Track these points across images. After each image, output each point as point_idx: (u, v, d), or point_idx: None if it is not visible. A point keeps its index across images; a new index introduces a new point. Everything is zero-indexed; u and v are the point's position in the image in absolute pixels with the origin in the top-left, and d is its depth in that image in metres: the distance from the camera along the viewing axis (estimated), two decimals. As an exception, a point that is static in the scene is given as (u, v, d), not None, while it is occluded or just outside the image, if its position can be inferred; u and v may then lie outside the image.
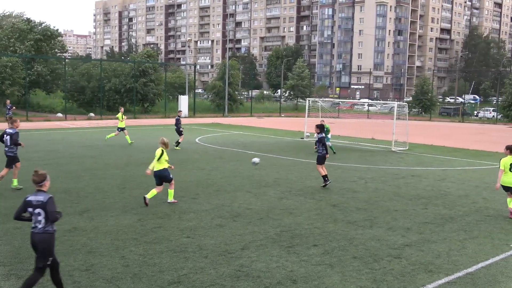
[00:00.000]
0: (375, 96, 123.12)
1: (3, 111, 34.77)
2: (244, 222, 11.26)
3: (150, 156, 21.25)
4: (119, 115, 25.94)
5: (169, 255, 8.92)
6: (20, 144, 13.94)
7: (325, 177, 15.46)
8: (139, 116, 47.37)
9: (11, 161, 14.00)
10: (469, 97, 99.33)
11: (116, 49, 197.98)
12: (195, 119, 46.59)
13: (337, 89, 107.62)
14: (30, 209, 6.86)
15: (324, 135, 15.95)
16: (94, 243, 9.52)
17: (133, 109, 48.69)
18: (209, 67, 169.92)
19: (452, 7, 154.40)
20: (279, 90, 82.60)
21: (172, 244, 9.57)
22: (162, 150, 12.60)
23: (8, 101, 32.67)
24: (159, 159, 12.53)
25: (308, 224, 11.22)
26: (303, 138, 30.47)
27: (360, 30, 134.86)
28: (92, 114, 45.71)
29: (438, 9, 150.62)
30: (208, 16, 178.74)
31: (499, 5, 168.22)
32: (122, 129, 25.51)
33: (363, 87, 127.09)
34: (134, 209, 12.08)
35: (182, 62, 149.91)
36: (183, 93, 55.31)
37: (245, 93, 71.12)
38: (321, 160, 15.45)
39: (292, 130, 35.85)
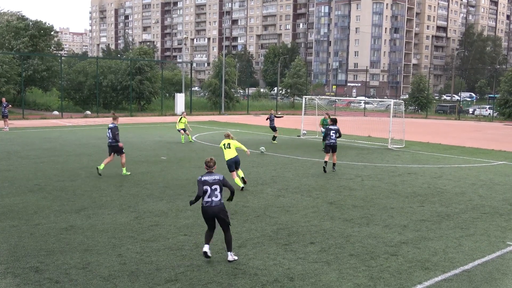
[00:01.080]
0: (372, 94, 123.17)
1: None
2: (241, 220, 11.26)
3: (146, 154, 21.31)
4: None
5: (166, 253, 8.93)
6: (116, 139, 16.14)
7: (334, 165, 18.16)
8: (135, 114, 47.31)
9: (113, 150, 16.35)
10: (465, 94, 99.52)
11: (113, 47, 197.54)
12: (192, 117, 46.52)
13: (333, 87, 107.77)
14: (206, 187, 8.65)
15: (338, 127, 18.28)
16: (91, 241, 9.51)
17: (129, 107, 48.61)
18: (206, 64, 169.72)
19: (448, 5, 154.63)
20: (275, 88, 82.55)
21: (169, 242, 9.57)
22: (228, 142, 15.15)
23: (4, 99, 32.54)
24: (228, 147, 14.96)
25: (305, 221, 11.24)
26: (299, 136, 30.48)
27: (356, 28, 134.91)
28: (88, 112, 45.63)
29: (435, 7, 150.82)
30: (205, 13, 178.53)
31: (495, 3, 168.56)
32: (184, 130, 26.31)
33: (359, 85, 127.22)
34: (131, 207, 12.07)
35: (179, 60, 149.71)
36: (180, 91, 55.25)
37: (242, 91, 71.04)
38: (334, 149, 18.15)
39: (289, 128, 35.84)
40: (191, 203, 8.75)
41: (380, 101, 58.36)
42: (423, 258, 9.01)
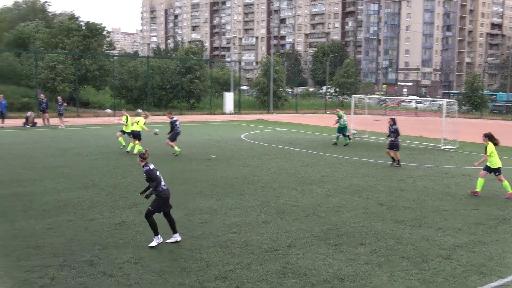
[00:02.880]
0: (423, 93, 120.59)
1: (55, 107, 35.79)
2: (290, 219, 11.24)
3: (196, 152, 21.57)
4: (125, 118, 21.85)
5: (216, 250, 9.00)
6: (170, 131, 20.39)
7: (399, 161, 19.28)
8: (185, 112, 47.93)
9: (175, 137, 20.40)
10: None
11: (162, 46, 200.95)
12: (240, 116, 46.78)
13: (383, 86, 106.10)
14: (158, 173, 9.37)
15: (397, 126, 19.41)
16: (143, 236, 9.69)
17: (179, 105, 49.31)
18: (254, 64, 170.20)
19: (503, 1, 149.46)
20: (324, 87, 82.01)
21: (218, 239, 9.65)
22: None
23: (59, 98, 33.61)
24: None
25: (355, 222, 11.10)
26: (349, 135, 30.11)
27: (407, 26, 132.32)
28: (139, 110, 46.48)
29: (489, 3, 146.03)
30: (253, 12, 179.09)
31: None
32: (126, 133, 21.59)
33: (410, 84, 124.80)
34: (181, 205, 12.23)
35: (227, 59, 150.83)
36: (228, 90, 55.64)
37: (290, 90, 70.86)
38: (397, 147, 19.39)
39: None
40: (151, 193, 9.26)
41: (432, 101, 57.05)
42: (478, 263, 8.74)
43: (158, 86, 50.48)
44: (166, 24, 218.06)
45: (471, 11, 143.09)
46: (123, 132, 21.59)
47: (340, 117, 26.06)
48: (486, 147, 14.20)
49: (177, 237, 9.42)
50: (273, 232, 10.19)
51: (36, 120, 32.69)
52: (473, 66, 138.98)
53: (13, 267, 7.96)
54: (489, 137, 14.16)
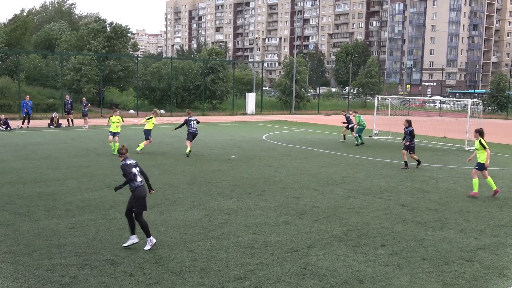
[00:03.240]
0: (448, 93, 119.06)
1: (80, 108, 36.31)
2: (310, 220, 11.21)
3: (217, 152, 21.64)
4: (116, 118, 21.74)
5: (236, 251, 9.02)
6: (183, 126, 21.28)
7: (406, 162, 18.84)
8: (207, 113, 48.14)
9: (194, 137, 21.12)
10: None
11: (186, 48, 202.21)
12: (262, 116, 46.81)
13: (407, 86, 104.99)
14: (134, 169, 9.17)
15: (413, 128, 18.91)
16: (164, 236, 9.77)
17: (202, 106, 49.55)
18: (277, 64, 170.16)
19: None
20: (347, 87, 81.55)
21: (238, 240, 9.67)
22: None
23: (84, 99, 34.09)
24: None
25: (375, 223, 11.02)
26: (371, 136, 29.92)
27: (432, 25, 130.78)
28: (162, 111, 46.91)
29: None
30: (276, 13, 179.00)
31: None
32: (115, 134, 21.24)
33: (435, 84, 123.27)
34: (202, 205, 12.30)
35: (250, 60, 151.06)
36: (251, 91, 55.69)
37: (312, 90, 70.58)
38: (413, 149, 18.93)
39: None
40: (119, 187, 9.25)
41: (457, 101, 56.28)
42: (501, 265, 8.60)
43: (181, 87, 50.79)
44: (190, 25, 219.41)
45: (498, 9, 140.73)
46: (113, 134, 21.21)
47: (358, 121, 26.27)
48: (479, 142, 14.18)
49: (152, 240, 9.04)
50: (293, 233, 10.17)
51: (61, 121, 33.22)
52: (500, 66, 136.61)
53: (36, 266, 8.10)
54: (480, 132, 14.38)
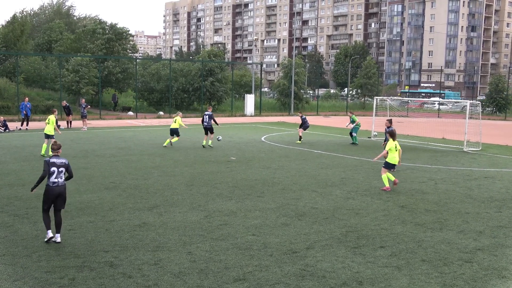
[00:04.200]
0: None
1: (78, 109, 36.31)
2: (309, 221, 11.20)
3: (216, 154, 21.63)
4: (53, 118, 21.00)
5: (235, 252, 9.02)
6: (215, 121, 23.95)
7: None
8: (207, 114, 48.09)
9: (208, 130, 23.74)
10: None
11: (185, 49, 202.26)
12: (261, 118, 46.82)
13: (406, 87, 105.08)
14: (54, 168, 9.38)
15: (393, 128, 17.73)
16: (163, 238, 9.76)
17: (200, 107, 49.54)
18: (275, 66, 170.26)
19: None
20: (345, 89, 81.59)
21: (237, 241, 9.66)
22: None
23: (83, 100, 34.08)
24: None
25: (375, 225, 11.02)
26: (370, 138, 29.94)
27: (431, 27, 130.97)
28: (161, 113, 46.91)
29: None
30: (275, 15, 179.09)
31: None
32: (50, 136, 20.41)
33: (433, 85, 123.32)
34: (201, 206, 12.29)
35: (249, 61, 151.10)
36: (250, 92, 55.70)
37: (311, 91, 70.55)
38: None
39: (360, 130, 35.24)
40: (34, 187, 9.60)
41: (456, 102, 56.33)
42: (500, 266, 8.60)
43: (180, 89, 50.78)
44: (189, 26, 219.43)
45: (496, 11, 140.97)
46: (46, 136, 20.44)
47: (353, 120, 27.05)
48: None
49: (57, 238, 9.30)
50: (292, 234, 10.17)
51: (60, 123, 33.16)
52: (498, 67, 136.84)
53: (34, 268, 8.09)
54: (391, 134, 15.36)
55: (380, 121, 30.74)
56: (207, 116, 23.70)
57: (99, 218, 11.07)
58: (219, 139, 25.19)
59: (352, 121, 27.05)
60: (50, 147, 9.70)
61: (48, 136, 20.36)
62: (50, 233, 9.29)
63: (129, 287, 7.44)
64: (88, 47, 50.93)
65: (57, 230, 9.41)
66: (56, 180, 9.37)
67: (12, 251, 8.86)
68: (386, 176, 14.91)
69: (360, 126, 27.10)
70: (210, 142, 23.97)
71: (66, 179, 9.68)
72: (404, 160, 21.03)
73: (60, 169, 9.47)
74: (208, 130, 23.76)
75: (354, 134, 26.72)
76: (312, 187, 15.02)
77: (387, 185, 14.77)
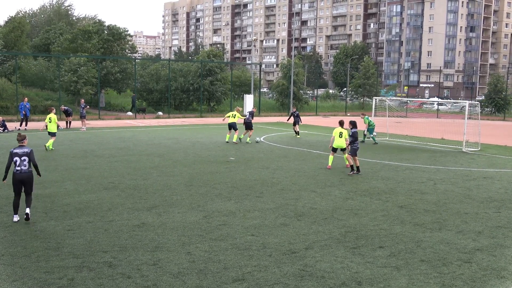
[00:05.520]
0: (445, 95, 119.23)
1: (77, 110, 36.29)
2: (308, 221, 11.21)
3: (215, 154, 21.63)
4: (53, 116, 22.47)
5: (234, 253, 9.02)
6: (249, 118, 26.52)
7: (358, 168, 17.55)
8: (205, 115, 48.13)
9: (248, 126, 26.27)
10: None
11: (184, 49, 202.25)
12: (260, 118, 46.79)
13: (405, 87, 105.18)
14: (16, 158, 10.67)
15: (356, 130, 18.01)
16: (162, 238, 9.76)
17: (199, 108, 49.54)
18: (274, 66, 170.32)
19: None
20: (344, 89, 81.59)
21: (236, 241, 9.66)
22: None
23: (82, 100, 34.06)
24: None
25: (374, 225, 11.03)
26: (369, 138, 29.92)
27: (430, 27, 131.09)
28: (160, 113, 46.87)
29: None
30: (274, 15, 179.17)
31: None
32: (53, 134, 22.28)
33: (432, 85, 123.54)
34: (200, 206, 12.29)
35: (248, 62, 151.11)
36: (249, 92, 55.67)
37: (310, 92, 70.53)
38: (354, 152, 17.70)
39: (358, 130, 35.22)
40: (4, 177, 11.11)
41: (455, 102, 56.28)
42: (499, 266, 8.61)
43: (179, 89, 50.76)
44: (188, 27, 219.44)
45: (495, 11, 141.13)
46: (49, 133, 22.34)
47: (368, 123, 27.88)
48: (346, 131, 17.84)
49: (26, 210, 10.68)
50: (291, 235, 10.17)
51: (59, 123, 33.16)
52: (497, 68, 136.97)
53: (33, 268, 8.08)
54: (340, 123, 18.29)
55: (380, 121, 30.77)
56: (249, 115, 26.71)
57: (98, 219, 11.07)
58: (257, 140, 26.82)
59: (368, 124, 27.78)
60: (16, 138, 11.08)
61: (51, 134, 22.05)
62: (16, 217, 10.69)
63: (128, 287, 7.43)
64: (85, 46, 50.90)
65: (27, 205, 10.81)
66: (19, 168, 10.67)
67: (11, 252, 8.85)
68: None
69: (373, 125, 27.82)
70: (247, 139, 26.26)
71: (35, 167, 10.94)
72: (403, 160, 21.08)
73: (23, 158, 10.70)
74: (231, 127, 25.88)
75: (370, 135, 27.70)
76: (311, 187, 15.02)
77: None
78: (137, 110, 46.02)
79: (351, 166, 17.53)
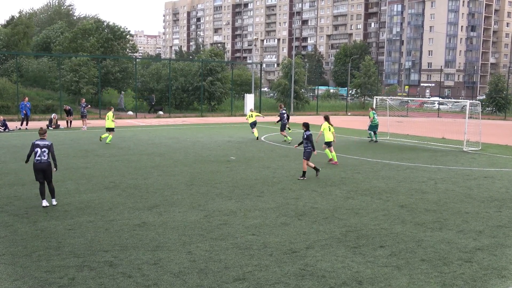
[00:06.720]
0: (446, 94, 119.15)
1: (78, 109, 36.31)
2: (309, 221, 11.20)
3: (216, 153, 21.63)
4: (110, 114, 25.55)
5: (234, 252, 9.01)
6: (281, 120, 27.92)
7: (304, 173, 16.31)
8: (206, 114, 48.12)
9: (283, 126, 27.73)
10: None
11: (185, 49, 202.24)
12: (260, 118, 46.72)
13: (406, 87, 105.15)
14: (37, 149, 11.85)
15: (311, 132, 16.60)
16: (162, 238, 9.76)
17: (200, 107, 49.53)
18: (275, 65, 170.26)
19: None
20: (345, 88, 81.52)
21: (237, 241, 9.66)
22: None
23: (83, 100, 34.07)
24: None
25: (374, 224, 11.02)
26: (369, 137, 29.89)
27: (430, 27, 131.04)
28: (161, 112, 46.88)
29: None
30: (275, 14, 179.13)
31: None
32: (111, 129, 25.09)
33: (433, 85, 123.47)
34: (201, 206, 12.29)
35: (249, 61, 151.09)
36: (249, 92, 55.67)
37: (311, 90, 70.47)
38: (308, 156, 16.33)
39: (358, 129, 35.32)
40: (26, 161, 12.30)
41: (455, 102, 56.26)
42: (500, 266, 8.60)
43: (180, 88, 50.77)
44: (189, 26, 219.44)
45: (496, 10, 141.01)
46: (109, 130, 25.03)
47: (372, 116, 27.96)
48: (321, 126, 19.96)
49: (53, 202, 12.00)
50: (292, 234, 10.17)
51: (60, 122, 33.22)
52: (498, 67, 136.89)
53: (34, 267, 8.09)
54: (325, 118, 20.21)
55: (381, 120, 30.75)
56: (285, 114, 28.10)
57: (98, 218, 11.07)
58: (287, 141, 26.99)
59: (372, 120, 27.82)
60: (38, 132, 12.35)
61: (109, 130, 24.91)
62: (44, 202, 11.83)
63: (129, 287, 7.43)
64: (85, 45, 50.90)
65: (52, 196, 12.05)
66: (39, 158, 11.80)
67: (12, 251, 8.86)
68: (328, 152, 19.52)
69: (376, 123, 27.91)
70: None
71: (53, 159, 11.99)
72: (404, 159, 21.07)
73: (43, 149, 11.85)
74: (253, 125, 27.96)
75: (369, 131, 27.83)
76: (311, 186, 15.01)
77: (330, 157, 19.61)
78: (155, 110, 47.26)
79: (303, 172, 16.27)
